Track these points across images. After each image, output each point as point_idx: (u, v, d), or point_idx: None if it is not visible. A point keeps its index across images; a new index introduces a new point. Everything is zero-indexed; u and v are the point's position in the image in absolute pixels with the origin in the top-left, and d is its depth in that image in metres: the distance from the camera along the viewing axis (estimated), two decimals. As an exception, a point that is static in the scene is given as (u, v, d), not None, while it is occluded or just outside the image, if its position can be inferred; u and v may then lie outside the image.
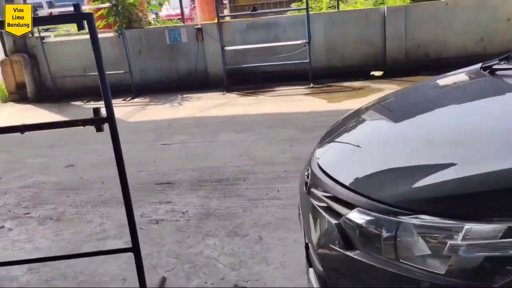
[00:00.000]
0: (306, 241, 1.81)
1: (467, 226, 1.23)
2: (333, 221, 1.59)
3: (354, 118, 2.36)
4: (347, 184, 1.64)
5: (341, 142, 2.11)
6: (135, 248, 2.18)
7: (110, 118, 1.96)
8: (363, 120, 2.30)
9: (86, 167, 4.56)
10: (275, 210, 3.27)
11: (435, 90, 2.42)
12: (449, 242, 1.25)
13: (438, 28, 7.40)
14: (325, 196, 1.72)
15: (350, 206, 1.56)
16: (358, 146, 1.95)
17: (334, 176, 1.73)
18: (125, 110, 6.90)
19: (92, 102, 7.51)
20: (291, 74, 7.60)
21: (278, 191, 3.57)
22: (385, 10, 7.38)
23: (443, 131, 1.75)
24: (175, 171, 4.20)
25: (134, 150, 4.82)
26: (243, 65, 7.66)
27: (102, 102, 1.97)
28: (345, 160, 1.87)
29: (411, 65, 7.44)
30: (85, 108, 7.37)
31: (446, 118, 1.88)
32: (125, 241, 3.05)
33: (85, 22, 1.83)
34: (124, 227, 3.27)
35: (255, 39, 7.71)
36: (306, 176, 1.94)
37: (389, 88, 6.56)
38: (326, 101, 6.24)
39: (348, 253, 1.50)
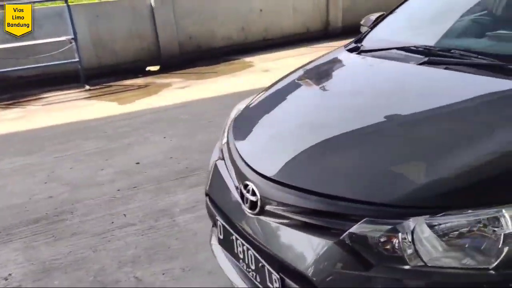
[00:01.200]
0: (280, 274, 1.47)
1: (506, 210, 1.17)
2: (330, 240, 1.33)
3: (268, 103, 2.10)
4: (330, 192, 1.39)
5: (280, 138, 1.78)
6: None
7: None
8: (284, 103, 2.07)
9: None
10: (135, 239, 2.68)
11: (336, 71, 2.34)
12: (502, 232, 1.16)
13: (205, 19, 7.56)
14: (296, 213, 1.43)
15: (346, 217, 1.33)
16: (303, 138, 1.69)
17: (301, 186, 1.45)
18: None
19: None
20: (57, 77, 6.54)
21: (124, 215, 2.96)
22: (152, 1, 7.08)
23: (392, 114, 1.67)
24: (-43, 224, 3.01)
25: None
26: (-11, 71, 6.13)
27: None
28: (299, 161, 1.55)
29: (186, 57, 7.42)
30: None
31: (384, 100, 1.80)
32: None
33: None
34: None
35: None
36: (249, 193, 1.56)
37: (175, 81, 6.38)
38: (116, 103, 5.58)
39: (365, 272, 1.28)
